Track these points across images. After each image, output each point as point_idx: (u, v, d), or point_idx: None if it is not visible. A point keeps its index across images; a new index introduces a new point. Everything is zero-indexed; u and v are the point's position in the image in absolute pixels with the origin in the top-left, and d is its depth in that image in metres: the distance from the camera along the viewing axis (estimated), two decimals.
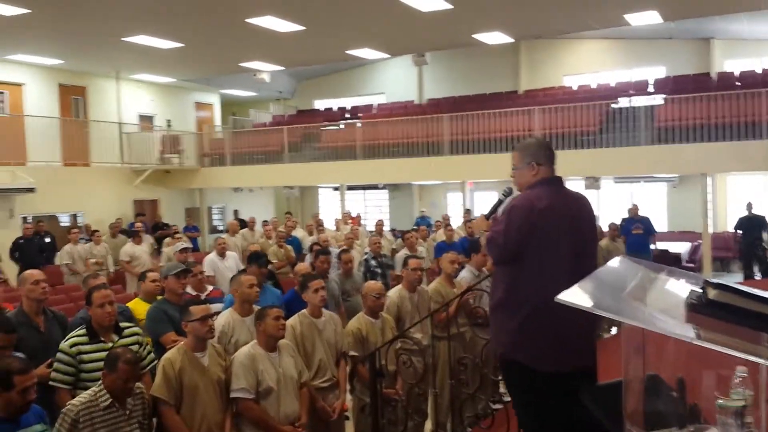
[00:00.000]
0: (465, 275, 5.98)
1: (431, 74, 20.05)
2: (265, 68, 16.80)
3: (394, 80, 20.82)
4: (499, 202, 3.29)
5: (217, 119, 21.24)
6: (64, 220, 15.18)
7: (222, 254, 8.59)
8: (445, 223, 11.68)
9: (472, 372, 4.94)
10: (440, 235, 11.24)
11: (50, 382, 3.77)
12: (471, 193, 17.05)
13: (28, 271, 4.46)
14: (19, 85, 15.15)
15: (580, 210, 3.05)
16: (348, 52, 15.03)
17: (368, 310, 4.79)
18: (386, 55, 16.62)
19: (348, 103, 21.04)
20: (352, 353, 4.60)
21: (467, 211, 14.47)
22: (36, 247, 11.88)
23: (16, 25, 11.27)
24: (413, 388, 4.59)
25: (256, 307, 4.48)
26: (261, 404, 3.83)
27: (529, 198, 2.94)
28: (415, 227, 12.34)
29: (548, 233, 2.86)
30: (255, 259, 6.06)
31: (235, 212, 17.51)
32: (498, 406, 5.07)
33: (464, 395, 4.81)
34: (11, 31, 11.83)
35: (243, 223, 14.50)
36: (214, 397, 3.77)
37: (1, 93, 14.85)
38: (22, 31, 11.98)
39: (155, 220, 15.49)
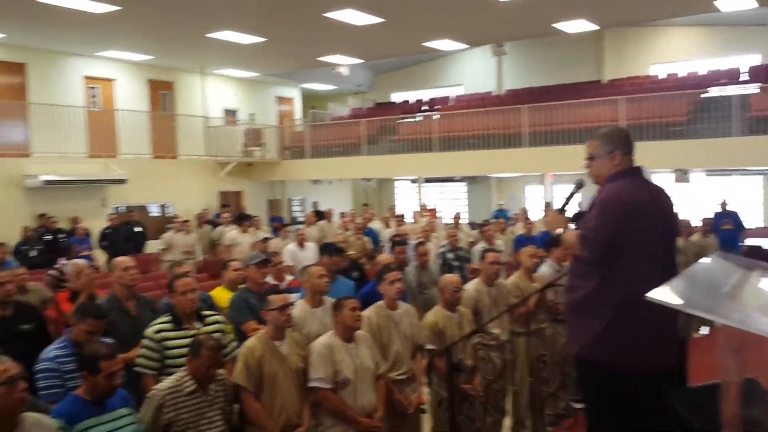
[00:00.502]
0: (545, 270, 5.83)
1: (510, 64, 19.68)
2: (343, 62, 16.95)
3: (472, 71, 20.57)
4: (571, 196, 3.17)
5: (298, 113, 21.63)
6: (153, 211, 15.85)
7: (301, 244, 8.74)
8: (524, 216, 11.46)
9: (552, 370, 4.81)
10: (519, 229, 11.04)
11: (136, 368, 3.91)
12: (551, 185, 16.66)
13: (119, 258, 4.66)
14: (110, 80, 15.90)
15: (665, 203, 2.91)
16: (426, 44, 14.95)
17: (445, 303, 4.74)
18: (465, 46, 16.43)
19: (425, 95, 20.95)
20: (429, 346, 4.56)
21: (547, 205, 14.15)
22: (122, 236, 12.46)
23: (108, 22, 11.82)
24: (491, 384, 4.51)
25: (327, 299, 4.52)
26: (339, 394, 3.86)
27: (618, 191, 2.81)
28: (489, 219, 12.16)
29: (640, 228, 2.73)
30: (327, 249, 6.10)
31: (315, 204, 17.79)
32: (580, 405, 4.92)
33: (545, 393, 4.69)
34: (103, 28, 12.41)
35: (320, 215, 14.72)
36: (293, 385, 3.81)
37: (94, 88, 15.62)
38: (113, 28, 12.55)
39: (239, 211, 15.93)
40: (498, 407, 4.74)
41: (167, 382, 3.50)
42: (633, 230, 2.73)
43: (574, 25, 13.47)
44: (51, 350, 3.71)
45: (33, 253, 10.81)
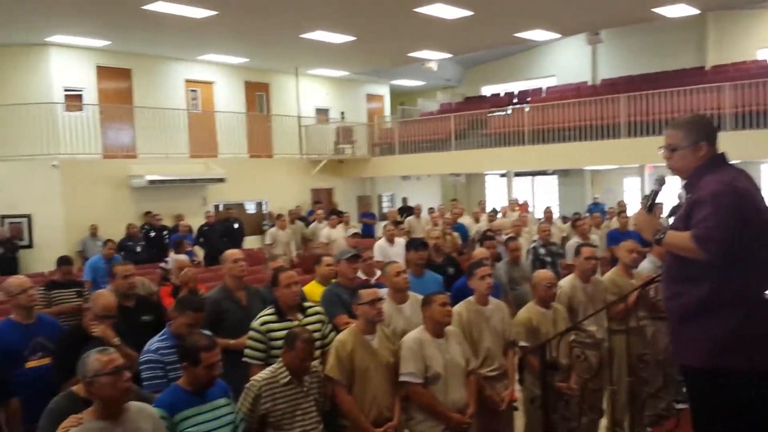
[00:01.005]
0: (646, 266, 5.57)
1: (606, 53, 18.98)
2: (433, 57, 16.89)
3: (565, 61, 19.98)
4: (654, 193, 2.98)
5: (387, 109, 21.76)
6: (250, 208, 16.40)
7: (391, 240, 8.77)
8: (621, 209, 11.01)
9: (653, 369, 4.59)
10: (614, 223, 10.63)
11: (243, 358, 4.06)
12: (650, 178, 15.95)
13: (229, 251, 4.88)
14: (210, 83, 16.57)
15: (761, 192, 2.70)
16: (517, 34, 14.65)
17: (539, 300, 4.62)
18: (557, 36, 15.99)
19: (516, 87, 20.56)
20: (522, 343, 4.47)
21: (645, 198, 13.55)
22: (218, 233, 12.96)
23: (207, 27, 12.31)
24: (588, 383, 4.36)
25: (412, 294, 4.49)
26: (429, 389, 3.84)
27: (726, 182, 2.60)
28: (580, 213, 11.78)
29: (760, 220, 2.54)
30: (413, 244, 6.09)
31: (404, 200, 17.84)
32: (682, 405, 4.67)
33: (645, 394, 4.48)
34: (202, 32, 12.95)
35: (409, 211, 14.75)
36: (384, 379, 3.83)
37: (195, 91, 16.32)
38: (212, 33, 13.07)
39: (331, 208, 16.22)
40: (594, 407, 4.58)
41: (264, 373, 3.59)
42: (753, 222, 2.54)
43: (675, 10, 12.81)
44: (154, 342, 3.88)
45: (138, 249, 11.42)
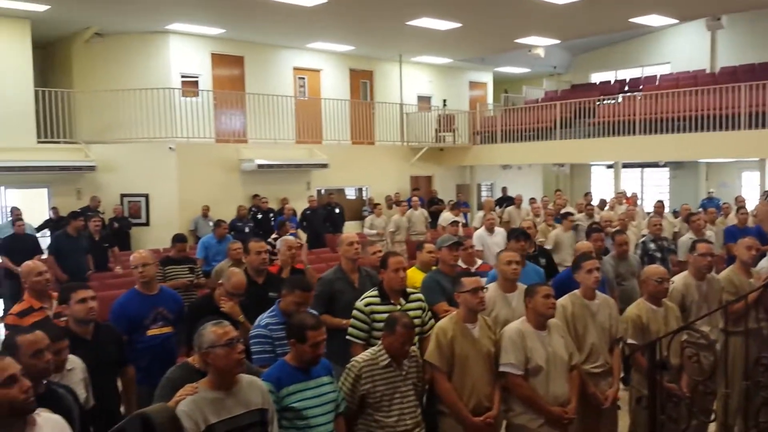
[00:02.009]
0: (765, 264, 5.23)
1: (727, 39, 17.82)
2: (540, 43, 16.48)
3: (681, 48, 18.93)
4: None
5: (490, 97, 21.46)
6: (350, 193, 16.71)
7: (490, 230, 8.68)
8: (739, 205, 10.36)
9: None
10: (731, 219, 10.01)
11: (347, 337, 4.19)
12: None
13: (346, 234, 5.05)
14: (317, 71, 16.96)
15: None
16: (632, 20, 14.03)
17: (649, 296, 4.44)
18: (674, 21, 15.16)
19: (627, 75, 19.70)
20: (630, 341, 4.32)
21: (766, 193, 12.67)
22: (320, 217, 13.30)
23: (316, 15, 12.59)
24: (699, 385, 4.16)
25: (521, 285, 4.44)
26: (530, 382, 3.79)
27: None
28: (690, 208, 11.15)
29: None
30: (515, 234, 5.99)
31: (503, 189, 17.58)
32: None
33: (760, 399, 4.23)
34: (311, 21, 13.25)
35: (509, 201, 14.52)
36: (484, 368, 3.81)
37: (303, 78, 16.75)
38: (320, 21, 13.35)
39: (430, 195, 16.24)
40: (705, 410, 4.36)
41: (364, 355, 3.67)
42: None
43: None
44: (264, 318, 4.05)
45: (246, 230, 11.91)
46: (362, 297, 4.34)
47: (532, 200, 13.22)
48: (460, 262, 5.56)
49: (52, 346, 3.10)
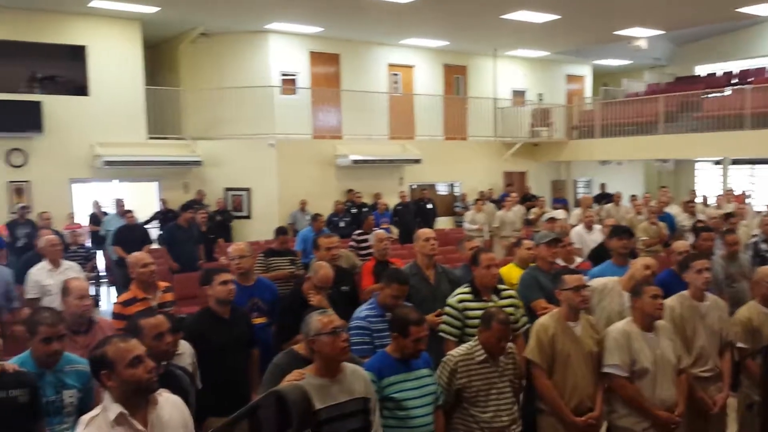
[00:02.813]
0: None
1: None
2: (642, 34, 15.84)
3: None
4: None
5: (588, 91, 20.84)
6: (441, 189, 16.71)
7: (589, 227, 8.49)
8: None
9: None
10: None
11: (439, 333, 4.21)
12: None
13: (422, 230, 5.06)
14: (410, 67, 17.03)
15: None
16: (740, 10, 13.26)
17: (762, 299, 4.23)
18: None
19: (736, 66, 18.59)
20: (739, 344, 4.13)
21: None
22: (412, 212, 13.38)
23: (410, 11, 12.66)
24: None
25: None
26: (635, 384, 3.69)
27: None
28: None
29: None
30: (616, 232, 5.81)
31: (602, 186, 17.02)
32: None
33: None
34: (406, 17, 13.33)
35: (608, 198, 14.07)
36: (586, 368, 3.75)
37: (396, 74, 16.88)
38: (415, 17, 13.41)
39: (524, 192, 15.99)
40: None
41: (460, 349, 3.69)
42: None
43: None
44: (362, 310, 4.15)
45: (342, 224, 12.17)
46: (454, 293, 4.35)
47: (633, 197, 12.75)
48: (558, 260, 5.48)
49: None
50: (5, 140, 11.89)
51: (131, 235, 9.84)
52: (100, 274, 10.93)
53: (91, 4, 12.00)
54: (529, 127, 17.70)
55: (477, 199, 12.71)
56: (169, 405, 2.60)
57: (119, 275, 10.10)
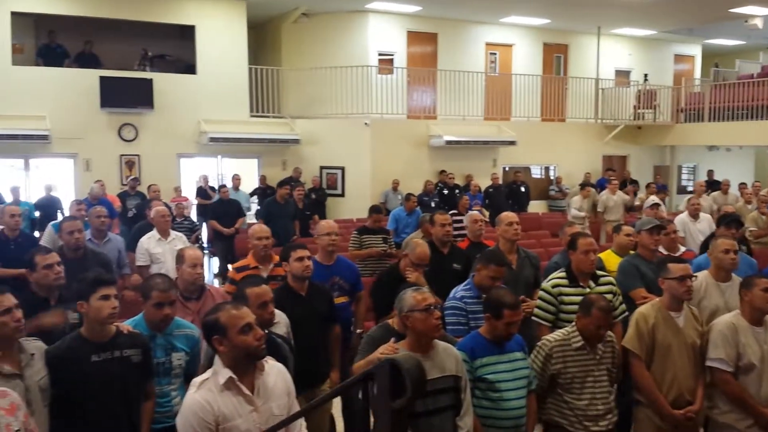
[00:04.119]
0: None
1: None
2: (759, 12, 14.79)
3: None
4: None
5: (698, 71, 19.74)
6: (535, 172, 16.37)
7: (695, 216, 8.09)
8: None
9: None
10: None
11: (533, 317, 4.18)
12: None
13: (504, 213, 5.02)
14: (509, 46, 16.69)
15: None
16: None
17: None
18: None
19: None
20: None
21: None
22: (503, 194, 13.18)
23: None
24: None
25: (735, 276, 4.13)
26: (740, 380, 3.53)
27: None
28: None
29: None
30: (725, 220, 5.52)
31: (709, 173, 16.16)
32: None
33: None
34: None
35: (715, 185, 13.36)
36: (687, 360, 3.62)
37: (494, 54, 16.60)
38: None
39: (624, 176, 15.42)
40: None
41: (556, 335, 3.64)
42: None
43: None
44: (458, 291, 4.18)
45: (432, 204, 12.17)
46: (549, 278, 4.29)
47: (742, 185, 12.04)
48: (660, 249, 5.27)
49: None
50: (119, 115, 12.65)
51: (226, 208, 10.29)
52: (204, 245, 11.47)
53: None
54: (632, 109, 16.98)
55: (583, 184, 12.28)
56: (274, 372, 2.71)
57: (219, 247, 10.60)
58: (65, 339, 3.15)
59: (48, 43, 13.13)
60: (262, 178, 13.19)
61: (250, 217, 11.45)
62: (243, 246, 9.98)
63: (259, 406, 2.57)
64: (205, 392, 2.51)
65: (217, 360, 2.59)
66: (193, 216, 11.28)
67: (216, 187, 12.46)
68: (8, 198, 9.98)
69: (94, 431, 2.92)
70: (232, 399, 2.51)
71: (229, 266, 5.01)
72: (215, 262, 11.42)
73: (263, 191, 12.59)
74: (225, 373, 2.53)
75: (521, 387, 3.39)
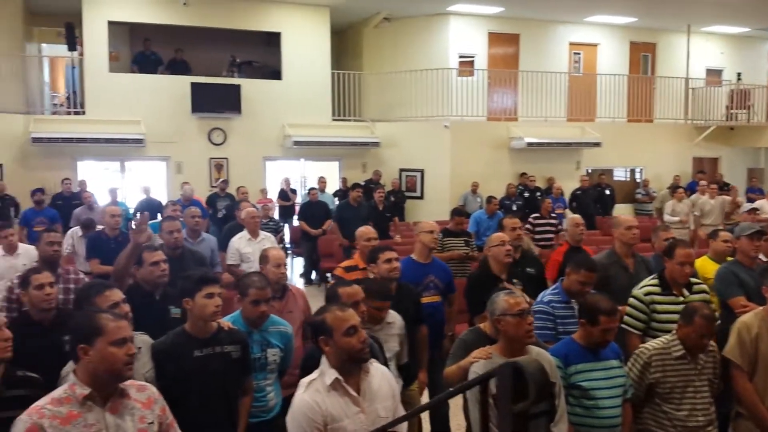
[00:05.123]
0: None
1: None
2: None
3: None
4: None
5: None
6: (619, 175, 15.89)
7: None
8: None
9: None
10: None
11: (622, 325, 4.06)
12: None
13: (624, 217, 4.97)
14: (594, 45, 16.29)
15: None
16: None
17: None
18: None
19: None
20: None
21: None
22: (591, 198, 12.84)
23: None
24: None
25: None
26: None
27: None
28: None
29: None
30: None
31: None
32: None
33: None
34: None
35: None
36: None
37: (578, 54, 16.23)
38: None
39: (716, 179, 14.76)
40: None
41: (656, 343, 3.53)
42: None
43: None
44: (546, 295, 4.11)
45: (514, 207, 12.02)
46: (641, 285, 4.16)
47: None
48: (761, 255, 5.03)
49: (375, 303, 3.56)
50: (208, 120, 13.14)
51: (313, 210, 10.52)
52: (287, 245, 11.75)
53: None
54: (724, 109, 16.22)
55: (676, 187, 11.82)
56: (379, 374, 2.75)
57: (305, 248, 10.84)
58: (170, 334, 3.30)
59: (143, 50, 13.80)
60: (343, 181, 13.40)
61: None
62: (327, 247, 10.22)
63: (365, 407, 2.61)
64: (313, 393, 2.57)
65: (323, 361, 2.65)
66: (277, 217, 11.58)
67: (296, 190, 12.77)
68: (106, 199, 10.52)
69: (195, 424, 3.02)
70: (339, 400, 2.56)
71: (339, 266, 5.10)
72: (297, 262, 11.68)
73: (344, 193, 12.78)
74: (331, 374, 2.58)
75: (617, 396, 3.31)
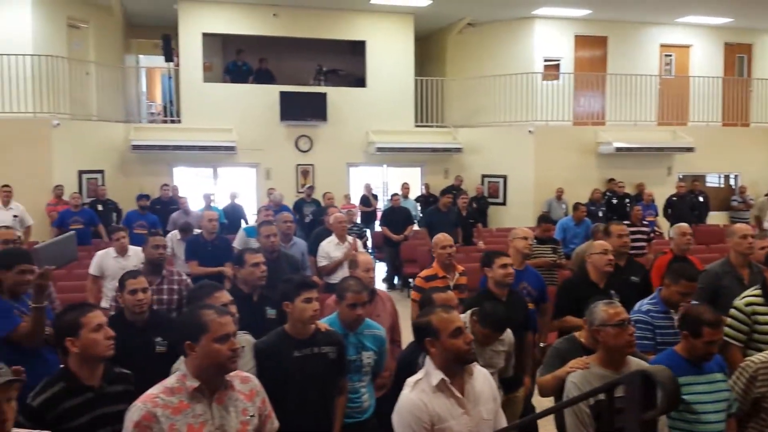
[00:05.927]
0: None
1: None
2: None
3: None
4: None
5: None
6: (712, 180, 15.22)
7: None
8: None
9: None
10: None
11: (724, 337, 3.91)
12: None
13: (738, 225, 4.82)
14: (686, 47, 15.67)
15: None
16: None
17: None
18: None
19: None
20: None
21: None
22: (687, 204, 12.34)
23: None
24: None
25: None
26: None
27: None
28: None
29: None
30: None
31: None
32: None
33: None
34: None
35: None
36: None
37: (669, 56, 15.65)
38: None
39: None
40: None
41: (762, 356, 3.37)
42: None
43: None
44: (644, 304, 4.01)
45: (599, 214, 11.71)
46: (742, 295, 4.01)
47: None
48: None
49: (484, 331, 3.58)
50: (295, 128, 13.51)
51: (395, 216, 10.63)
52: (370, 250, 11.89)
53: (372, 1, 13.06)
54: None
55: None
56: (481, 377, 2.78)
57: (387, 253, 10.96)
58: (271, 334, 3.44)
59: (235, 60, 14.33)
60: (426, 186, 13.45)
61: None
62: (409, 252, 10.29)
63: (470, 409, 2.64)
64: (420, 392, 2.62)
65: (428, 361, 2.70)
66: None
67: (377, 195, 12.89)
68: (200, 204, 10.95)
69: (293, 423, 3.10)
70: (444, 401, 2.60)
71: (419, 276, 5.15)
72: (379, 267, 11.80)
73: (426, 199, 12.83)
74: (437, 375, 2.62)
75: (721, 410, 3.19)
